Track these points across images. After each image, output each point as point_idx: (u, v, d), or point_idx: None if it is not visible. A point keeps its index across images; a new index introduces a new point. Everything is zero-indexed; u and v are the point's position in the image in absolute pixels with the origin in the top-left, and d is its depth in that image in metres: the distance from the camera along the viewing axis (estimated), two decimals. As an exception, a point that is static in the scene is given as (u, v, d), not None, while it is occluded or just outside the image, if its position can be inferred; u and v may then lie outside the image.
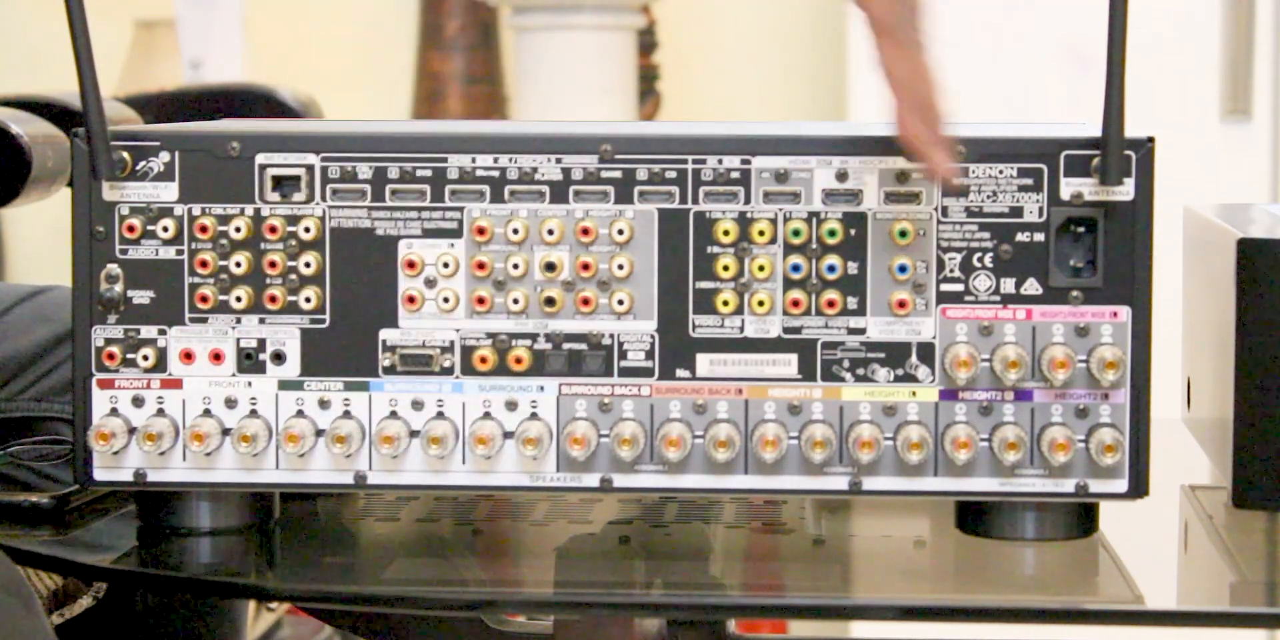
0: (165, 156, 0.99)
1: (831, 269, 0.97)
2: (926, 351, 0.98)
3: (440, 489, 1.00)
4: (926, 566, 1.01)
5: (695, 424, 0.98)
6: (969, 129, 1.01)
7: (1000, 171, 0.97)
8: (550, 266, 0.98)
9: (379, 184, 0.99)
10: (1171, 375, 1.16)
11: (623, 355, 0.98)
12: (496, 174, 0.98)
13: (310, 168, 0.99)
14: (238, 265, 0.99)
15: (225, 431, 0.99)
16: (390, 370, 0.99)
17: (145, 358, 0.99)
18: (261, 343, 0.99)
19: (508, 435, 0.98)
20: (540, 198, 0.98)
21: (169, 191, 0.99)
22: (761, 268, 0.97)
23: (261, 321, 0.99)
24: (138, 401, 0.99)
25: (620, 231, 0.98)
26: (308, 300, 0.99)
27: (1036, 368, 0.97)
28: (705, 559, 1.00)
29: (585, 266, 0.98)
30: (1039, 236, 0.97)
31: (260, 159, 0.99)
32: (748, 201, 0.98)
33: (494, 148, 0.98)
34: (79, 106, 0.96)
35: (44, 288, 1.33)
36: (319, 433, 0.99)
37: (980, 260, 0.97)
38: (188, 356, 0.99)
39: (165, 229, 0.99)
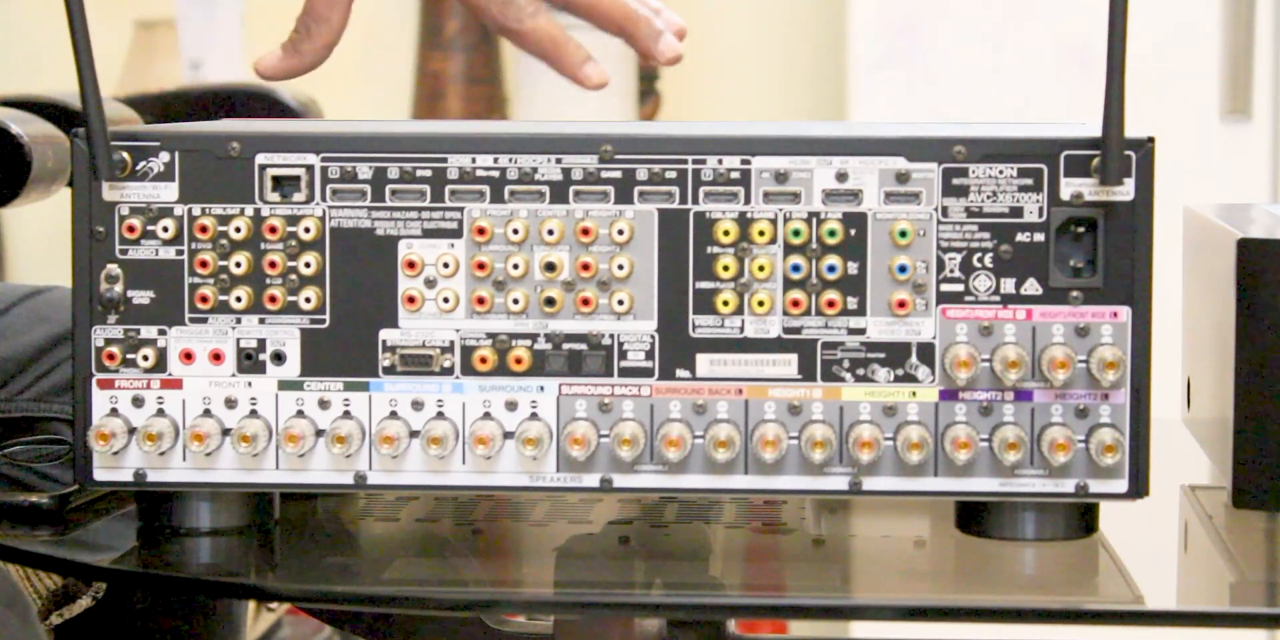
0: (165, 156, 0.99)
1: (831, 269, 0.97)
2: (926, 351, 0.98)
3: (440, 489, 1.00)
4: (926, 566, 1.01)
5: (695, 424, 0.98)
6: (969, 129, 1.01)
7: (1000, 171, 0.97)
8: (550, 266, 0.98)
9: (379, 184, 0.99)
10: (1171, 375, 1.16)
11: (623, 355, 0.98)
12: (496, 174, 0.98)
13: (310, 168, 0.99)
14: (238, 265, 0.99)
15: (225, 431, 0.99)
16: (390, 370, 0.99)
17: (145, 358, 0.99)
18: (261, 343, 0.99)
19: (508, 435, 0.98)
20: (540, 198, 0.98)
21: (169, 191, 0.99)
22: (761, 268, 0.97)
23: (261, 322, 0.99)
24: (138, 401, 0.99)
25: (620, 231, 0.98)
26: (308, 300, 0.99)
27: (1036, 368, 0.97)
28: (705, 559, 1.00)
29: (585, 266, 0.98)
30: (1039, 236, 0.97)
31: (260, 159, 0.99)
32: (748, 201, 0.98)
33: (494, 148, 0.98)
34: (79, 106, 0.96)
35: (42, 288, 1.33)
36: (319, 433, 0.99)
37: (980, 260, 0.97)
38: (188, 357, 0.99)
39: (165, 229, 0.99)
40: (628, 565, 0.99)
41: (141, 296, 0.99)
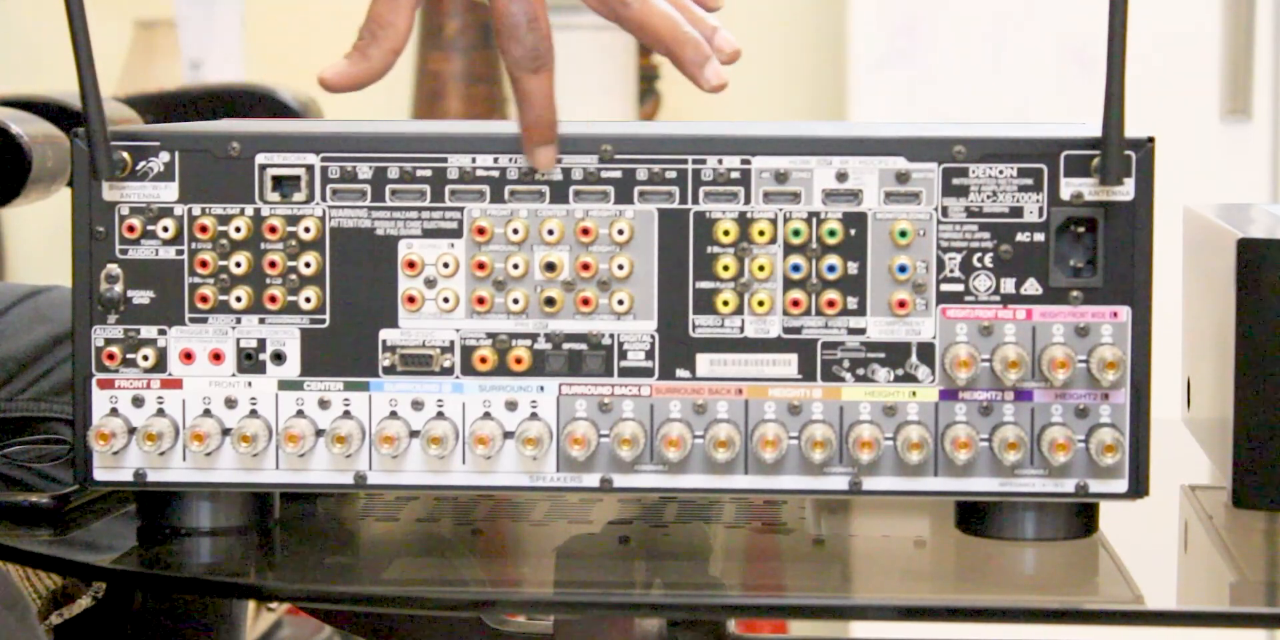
0: (165, 156, 0.99)
1: (831, 269, 0.97)
2: (926, 351, 0.98)
3: (440, 489, 1.00)
4: (926, 566, 1.01)
5: (695, 424, 0.98)
6: (969, 129, 1.01)
7: (1000, 171, 0.97)
8: (550, 266, 0.98)
9: (379, 184, 0.99)
10: (1171, 375, 1.16)
11: (623, 355, 0.98)
12: (496, 174, 0.98)
13: (310, 168, 0.99)
14: (238, 265, 0.99)
15: (225, 431, 0.99)
16: (390, 370, 0.99)
17: (145, 358, 0.99)
18: (261, 343, 0.99)
19: (508, 435, 0.98)
20: (540, 198, 0.98)
21: (169, 191, 0.99)
22: (761, 268, 0.97)
23: (261, 321, 0.99)
24: (138, 401, 0.99)
25: (620, 231, 0.98)
26: (308, 300, 0.99)
27: (1036, 368, 0.97)
28: (705, 559, 1.00)
29: (585, 266, 0.98)
30: (1039, 236, 0.97)
31: (260, 159, 0.99)
32: (748, 201, 0.98)
33: (494, 148, 0.98)
34: (79, 106, 0.96)
35: (42, 288, 1.33)
36: (319, 433, 0.99)
37: (980, 260, 0.97)
38: (188, 356, 0.99)
39: (165, 229, 0.99)
40: (628, 565, 0.99)
41: (141, 296, 0.99)
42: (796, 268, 0.97)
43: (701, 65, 0.96)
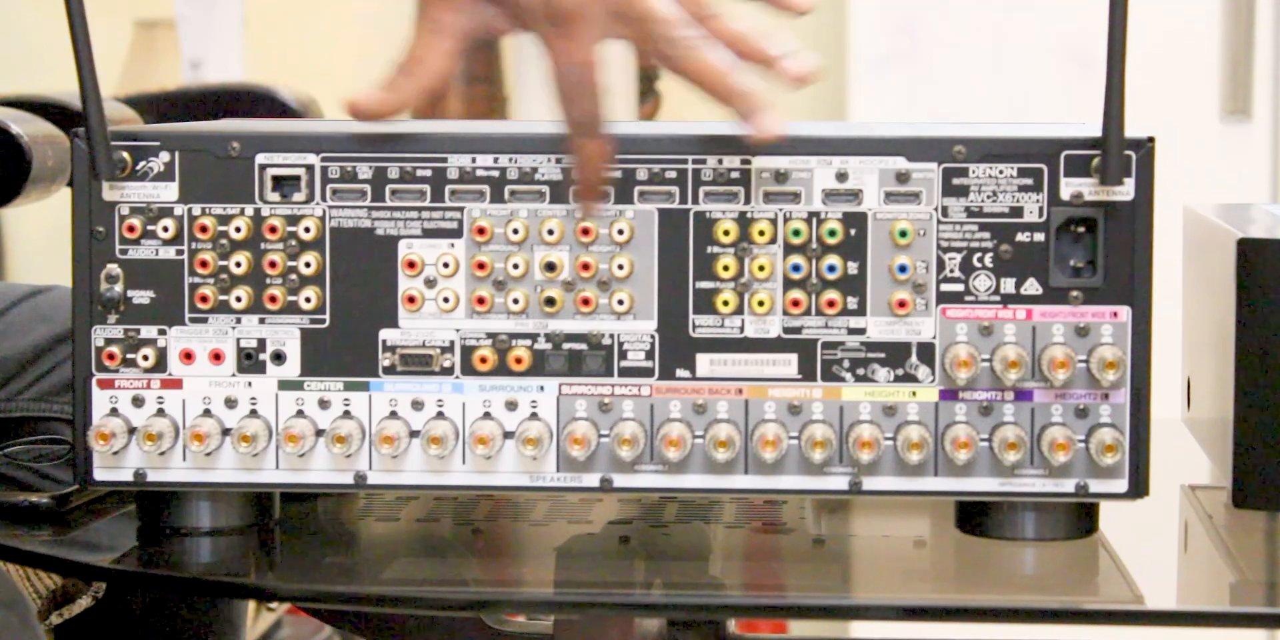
0: (165, 156, 0.99)
1: (831, 269, 0.97)
2: (926, 351, 0.98)
3: (440, 489, 1.00)
4: (926, 566, 1.01)
5: (695, 424, 0.98)
6: (969, 129, 1.01)
7: (1000, 171, 0.97)
8: (550, 266, 0.98)
9: (379, 184, 0.99)
10: (1171, 375, 1.16)
11: (623, 355, 0.98)
12: (496, 174, 0.98)
13: (310, 168, 0.99)
14: (238, 265, 0.99)
15: (225, 431, 0.99)
16: (390, 370, 0.99)
17: (145, 358, 0.99)
18: (261, 343, 0.99)
19: (508, 435, 0.98)
20: (540, 198, 0.98)
21: (169, 191, 0.99)
22: (761, 268, 0.97)
23: (261, 321, 0.99)
24: (138, 401, 0.99)
25: (620, 231, 0.98)
26: (308, 300, 0.99)
27: (1036, 368, 0.97)
28: (705, 559, 1.00)
29: (585, 266, 0.98)
30: (1039, 236, 0.97)
31: (260, 159, 0.99)
32: (748, 201, 0.98)
33: (494, 148, 0.98)
34: (79, 106, 0.96)
35: (43, 288, 1.33)
36: (319, 433, 0.99)
37: (980, 260, 0.97)
38: (188, 356, 0.99)
39: (165, 229, 0.99)
40: (628, 565, 0.99)
41: (141, 296, 0.99)
42: (796, 268, 0.97)
43: (751, 116, 0.94)
